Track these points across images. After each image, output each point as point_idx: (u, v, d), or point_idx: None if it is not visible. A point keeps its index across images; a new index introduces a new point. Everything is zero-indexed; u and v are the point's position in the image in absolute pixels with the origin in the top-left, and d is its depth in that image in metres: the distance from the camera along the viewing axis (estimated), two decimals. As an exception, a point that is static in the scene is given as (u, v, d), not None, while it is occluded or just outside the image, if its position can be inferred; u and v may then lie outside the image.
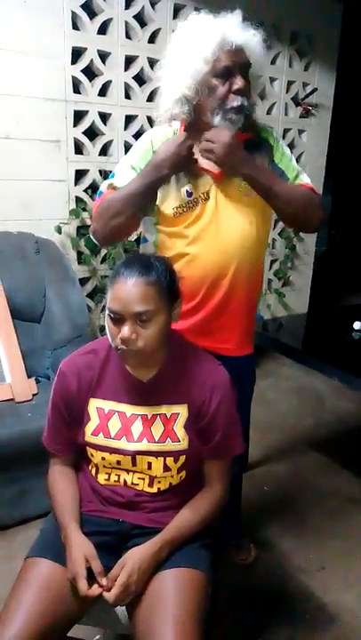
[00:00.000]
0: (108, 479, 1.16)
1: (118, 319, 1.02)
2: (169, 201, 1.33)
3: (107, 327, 1.06)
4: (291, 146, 3.38)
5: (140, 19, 2.60)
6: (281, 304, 3.65)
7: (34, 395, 2.04)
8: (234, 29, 1.23)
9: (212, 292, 1.36)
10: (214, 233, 1.32)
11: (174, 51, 1.29)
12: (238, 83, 1.24)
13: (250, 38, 1.26)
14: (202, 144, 1.27)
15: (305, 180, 1.40)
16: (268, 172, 1.33)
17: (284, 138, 3.31)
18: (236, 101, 1.25)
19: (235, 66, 1.23)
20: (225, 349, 1.39)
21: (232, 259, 1.33)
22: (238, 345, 1.44)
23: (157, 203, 1.34)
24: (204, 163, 1.31)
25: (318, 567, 1.84)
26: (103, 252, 2.75)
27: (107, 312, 1.05)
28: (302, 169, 1.43)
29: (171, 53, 1.30)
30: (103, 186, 1.35)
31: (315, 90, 3.28)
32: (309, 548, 1.93)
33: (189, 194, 1.31)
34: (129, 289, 1.01)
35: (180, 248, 1.35)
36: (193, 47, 1.23)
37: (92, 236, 1.38)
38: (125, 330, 1.01)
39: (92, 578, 1.02)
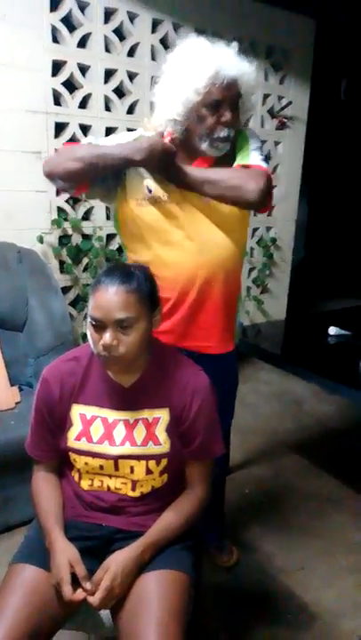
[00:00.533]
0: (92, 484, 1.18)
1: (100, 326, 1.06)
2: (133, 191, 1.35)
3: (88, 334, 1.09)
4: (267, 157, 3.46)
5: (120, 32, 2.65)
6: (260, 310, 3.72)
7: (17, 403, 2.05)
8: (228, 63, 1.25)
9: (184, 294, 1.37)
10: (178, 236, 1.34)
11: (170, 72, 1.31)
12: (227, 116, 1.28)
13: (243, 71, 1.28)
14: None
15: (248, 162, 1.36)
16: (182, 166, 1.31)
17: (261, 148, 3.40)
18: (223, 132, 1.30)
19: (225, 99, 1.27)
20: (206, 347, 1.43)
21: (199, 261, 1.35)
22: (219, 343, 1.47)
23: (125, 191, 1.36)
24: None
25: (299, 567, 1.89)
26: (85, 261, 2.78)
27: (88, 319, 1.08)
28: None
29: (166, 73, 1.32)
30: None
31: (290, 103, 3.37)
32: (290, 549, 1.97)
33: (149, 190, 1.33)
34: (110, 296, 1.04)
35: (144, 252, 1.38)
36: (187, 76, 1.25)
37: (43, 168, 1.33)
38: (107, 336, 1.04)
39: (76, 582, 1.04)
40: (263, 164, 1.36)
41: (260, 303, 3.67)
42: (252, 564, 1.90)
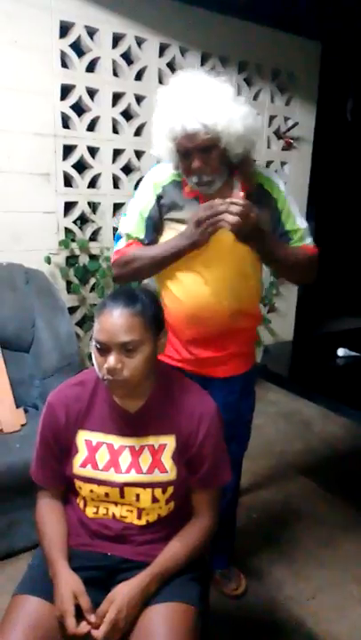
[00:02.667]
0: (97, 512, 1.16)
1: (104, 349, 1.05)
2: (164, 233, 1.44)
3: (94, 358, 1.09)
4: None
5: (127, 57, 2.70)
6: (267, 330, 3.69)
7: (22, 425, 2.03)
8: (189, 116, 1.21)
9: (208, 340, 1.45)
10: (202, 276, 1.39)
11: (156, 112, 1.33)
12: (195, 164, 1.27)
13: (214, 120, 1.21)
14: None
15: (308, 241, 1.45)
16: (271, 237, 1.37)
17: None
18: (194, 179, 1.30)
19: (193, 149, 1.26)
20: (223, 372, 1.51)
21: (223, 303, 1.41)
22: (237, 369, 1.54)
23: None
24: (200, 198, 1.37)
25: (309, 596, 1.83)
26: (92, 281, 2.78)
27: (93, 343, 1.07)
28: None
29: (155, 112, 1.34)
30: (121, 228, 1.45)
31: (296, 124, 3.40)
32: (300, 577, 1.92)
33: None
34: (115, 320, 1.04)
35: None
36: (160, 123, 1.29)
37: (114, 280, 1.53)
38: (111, 360, 1.03)
39: (80, 615, 1.01)
40: (312, 243, 1.46)
41: (268, 322, 3.65)
42: (261, 591, 1.85)
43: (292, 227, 1.43)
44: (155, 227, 1.43)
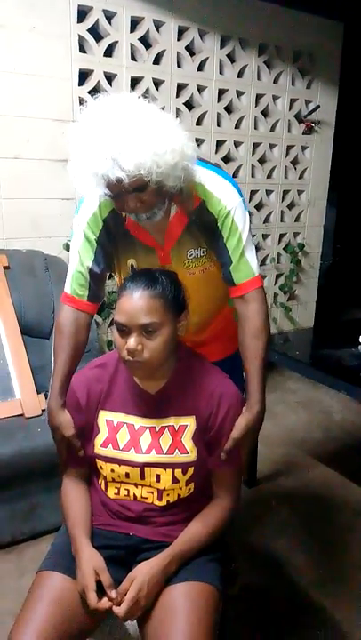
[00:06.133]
0: (118, 493, 1.17)
1: (125, 331, 1.05)
2: (121, 269, 1.34)
3: (114, 340, 1.09)
4: (294, 162, 3.43)
5: (145, 41, 2.67)
6: (287, 318, 3.66)
7: (43, 410, 2.05)
8: (114, 163, 1.02)
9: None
10: None
11: (72, 153, 1.09)
12: (129, 206, 1.13)
13: (141, 163, 1.02)
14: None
15: (249, 265, 1.25)
16: (257, 401, 1.20)
17: (287, 155, 3.37)
18: (132, 216, 1.18)
19: (120, 192, 1.10)
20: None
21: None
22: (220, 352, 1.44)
23: (113, 270, 1.36)
24: (147, 239, 1.27)
25: (329, 582, 1.82)
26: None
27: (115, 325, 1.08)
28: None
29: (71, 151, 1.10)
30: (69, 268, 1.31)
31: (317, 107, 3.33)
32: (320, 563, 1.91)
33: (133, 269, 1.29)
34: (135, 302, 1.04)
35: None
36: (79, 168, 1.08)
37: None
38: (132, 341, 1.04)
39: (102, 591, 1.03)
40: (257, 269, 1.26)
41: (288, 310, 3.62)
42: (281, 578, 1.84)
43: (233, 248, 1.24)
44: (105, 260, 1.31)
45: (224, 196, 1.22)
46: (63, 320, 1.29)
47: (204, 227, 1.25)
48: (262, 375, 1.23)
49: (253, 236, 1.34)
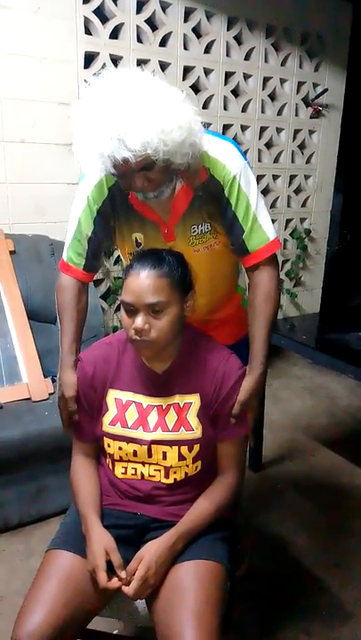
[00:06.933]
0: (125, 472, 1.18)
1: (132, 311, 1.05)
2: (125, 243, 1.31)
3: (122, 319, 1.09)
4: (301, 146, 3.39)
5: (152, 23, 2.63)
6: (293, 304, 3.65)
7: (50, 394, 2.07)
8: (120, 142, 0.99)
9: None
10: None
11: (76, 132, 1.08)
12: (136, 185, 1.10)
13: (147, 142, 1.00)
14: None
15: (268, 236, 1.23)
16: (262, 357, 1.21)
17: (294, 139, 3.34)
18: (139, 195, 1.15)
19: (127, 172, 1.08)
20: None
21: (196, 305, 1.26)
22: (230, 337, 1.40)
23: (116, 243, 1.35)
24: (151, 214, 1.24)
25: (333, 564, 1.84)
26: (116, 253, 2.78)
27: (122, 305, 1.08)
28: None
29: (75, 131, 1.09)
30: (66, 244, 1.33)
31: (325, 90, 3.29)
32: (324, 546, 1.93)
33: (138, 244, 1.28)
34: (142, 281, 1.04)
35: None
36: (84, 148, 1.06)
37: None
38: (138, 320, 1.04)
39: (111, 571, 1.04)
40: (272, 233, 1.23)
41: (294, 296, 3.61)
42: (286, 559, 1.86)
43: (244, 215, 1.21)
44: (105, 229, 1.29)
45: (228, 160, 1.18)
46: (62, 285, 1.31)
47: (211, 197, 1.22)
48: (267, 339, 1.23)
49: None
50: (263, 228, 1.22)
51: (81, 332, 1.31)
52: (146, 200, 1.18)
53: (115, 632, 1.45)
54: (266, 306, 1.23)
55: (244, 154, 1.24)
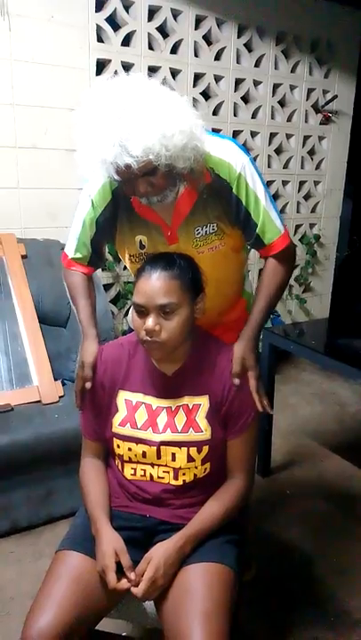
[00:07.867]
0: (135, 474, 1.18)
1: (143, 312, 1.07)
2: (126, 246, 1.31)
3: (133, 321, 1.11)
4: (311, 152, 3.40)
5: (163, 30, 2.67)
6: (302, 310, 3.65)
7: (60, 397, 2.08)
8: (122, 148, 1.00)
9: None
10: None
11: (77, 137, 1.08)
12: (139, 190, 1.11)
13: (149, 147, 1.01)
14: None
15: (278, 229, 1.26)
16: (255, 325, 1.25)
17: (304, 145, 3.35)
18: (143, 200, 1.17)
19: (131, 178, 1.09)
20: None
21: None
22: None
23: (116, 246, 1.36)
24: (153, 217, 1.25)
25: (341, 571, 1.83)
26: (126, 258, 2.80)
27: (132, 307, 1.10)
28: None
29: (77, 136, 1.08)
30: (68, 240, 1.39)
31: (335, 97, 3.30)
32: (332, 552, 1.92)
33: (142, 246, 1.28)
34: (153, 282, 1.06)
35: None
36: (86, 153, 1.07)
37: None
38: (150, 321, 1.05)
39: (120, 572, 1.04)
40: (280, 225, 1.26)
41: (303, 302, 3.61)
42: (293, 564, 1.85)
43: (255, 209, 1.23)
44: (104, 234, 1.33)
45: (231, 158, 1.19)
46: (68, 272, 1.39)
47: (218, 197, 1.22)
48: (264, 310, 1.27)
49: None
50: (273, 221, 1.26)
51: (95, 310, 1.37)
52: (150, 205, 1.19)
53: (123, 634, 1.45)
54: (274, 277, 1.28)
55: (248, 152, 1.27)
